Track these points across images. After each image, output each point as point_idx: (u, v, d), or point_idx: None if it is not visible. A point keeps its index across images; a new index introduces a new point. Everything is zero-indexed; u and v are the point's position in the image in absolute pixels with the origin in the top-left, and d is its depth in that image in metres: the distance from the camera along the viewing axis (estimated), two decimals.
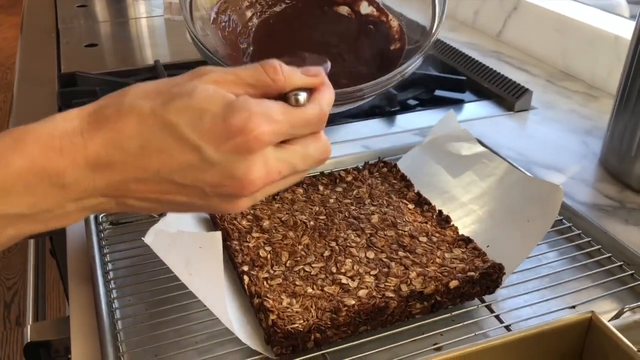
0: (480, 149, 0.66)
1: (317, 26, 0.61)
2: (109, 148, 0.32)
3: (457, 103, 0.94)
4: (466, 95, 0.96)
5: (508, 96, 0.92)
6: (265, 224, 0.58)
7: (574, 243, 0.61)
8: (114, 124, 0.32)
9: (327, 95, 0.37)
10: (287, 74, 0.36)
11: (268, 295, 0.49)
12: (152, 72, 1.00)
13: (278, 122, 0.34)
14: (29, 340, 0.60)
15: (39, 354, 0.61)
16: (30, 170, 0.31)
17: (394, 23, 0.62)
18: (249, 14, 0.60)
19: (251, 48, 0.60)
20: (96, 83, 0.95)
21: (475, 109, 0.93)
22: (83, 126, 0.32)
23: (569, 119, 0.88)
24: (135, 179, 0.33)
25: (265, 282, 0.51)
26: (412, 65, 0.58)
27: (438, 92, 0.96)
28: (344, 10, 0.62)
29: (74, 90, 0.93)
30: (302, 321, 0.47)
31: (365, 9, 0.62)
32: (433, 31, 0.58)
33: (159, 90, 0.34)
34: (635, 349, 0.42)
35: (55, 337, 0.60)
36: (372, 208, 0.60)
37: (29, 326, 0.61)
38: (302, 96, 0.36)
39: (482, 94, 0.96)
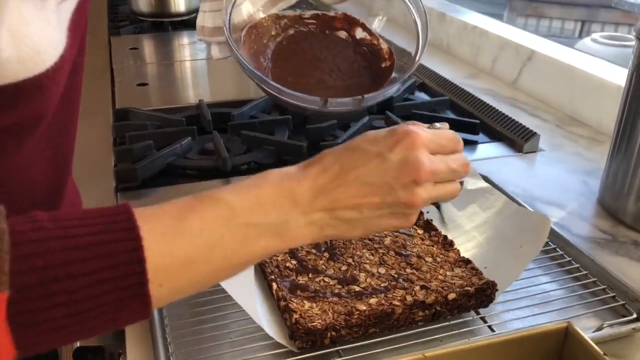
0: (484, 184, 0.74)
1: (320, 47, 0.71)
2: (319, 174, 0.45)
3: (471, 144, 1.03)
4: (480, 137, 1.05)
5: (518, 139, 1.01)
6: None
7: (564, 268, 0.68)
8: (317, 161, 0.47)
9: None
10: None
11: (292, 299, 0.58)
12: (197, 110, 1.11)
13: (428, 132, 0.48)
14: (78, 346, 0.69)
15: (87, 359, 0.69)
16: (274, 190, 0.44)
17: (384, 46, 0.71)
18: (267, 37, 0.70)
19: (270, 65, 0.69)
20: (146, 118, 1.07)
21: (487, 150, 1.01)
22: (298, 168, 0.46)
23: (573, 160, 0.96)
24: (341, 186, 0.45)
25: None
26: (397, 87, 0.67)
27: None
28: (342, 34, 0.72)
29: (127, 124, 1.05)
30: (320, 321, 0.55)
31: (360, 34, 0.72)
32: (416, 59, 0.67)
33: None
34: (602, 353, 0.50)
35: (104, 343, 0.69)
36: (385, 232, 0.69)
37: None
38: (439, 124, 0.52)
39: (494, 136, 1.05)
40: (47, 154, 0.54)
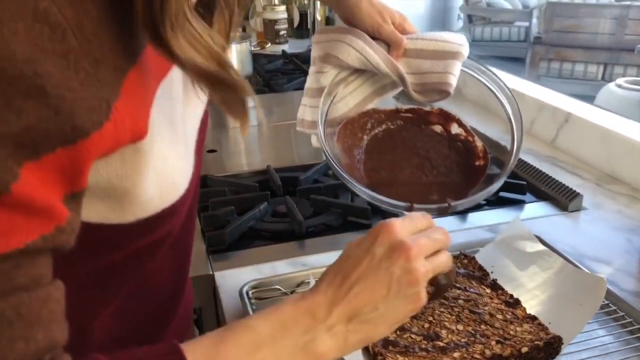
0: (541, 247, 0.84)
1: (415, 141, 0.74)
2: (327, 288, 0.51)
3: (519, 203, 1.13)
4: (527, 197, 1.15)
5: (562, 198, 1.10)
6: None
7: (618, 322, 0.77)
8: (323, 278, 0.52)
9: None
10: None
11: (388, 354, 0.68)
12: (265, 175, 1.23)
13: (399, 219, 0.53)
14: None
15: None
16: (294, 310, 0.49)
17: (479, 143, 0.74)
18: (363, 131, 0.75)
19: (363, 157, 0.73)
20: (224, 185, 1.19)
21: (535, 209, 1.11)
22: (309, 289, 0.52)
23: (615, 218, 1.06)
24: (349, 292, 0.50)
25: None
26: (496, 186, 0.70)
27: (502, 194, 1.15)
28: (437, 128, 0.75)
29: (208, 191, 1.17)
30: None
31: (455, 129, 0.75)
32: (513, 155, 0.71)
33: None
34: None
35: None
36: (458, 292, 0.79)
37: None
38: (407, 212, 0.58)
39: (540, 196, 1.15)
40: (171, 256, 0.59)
